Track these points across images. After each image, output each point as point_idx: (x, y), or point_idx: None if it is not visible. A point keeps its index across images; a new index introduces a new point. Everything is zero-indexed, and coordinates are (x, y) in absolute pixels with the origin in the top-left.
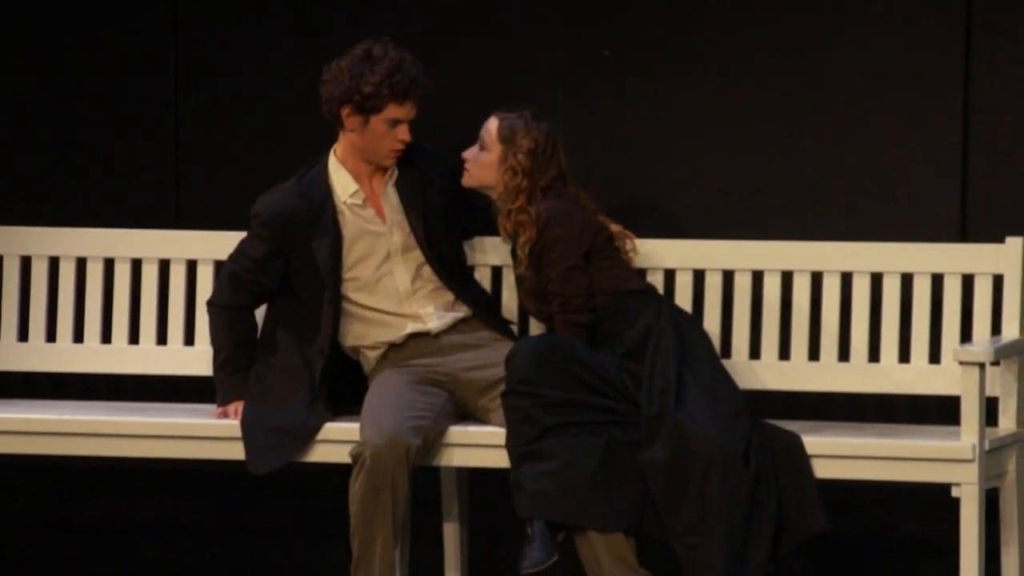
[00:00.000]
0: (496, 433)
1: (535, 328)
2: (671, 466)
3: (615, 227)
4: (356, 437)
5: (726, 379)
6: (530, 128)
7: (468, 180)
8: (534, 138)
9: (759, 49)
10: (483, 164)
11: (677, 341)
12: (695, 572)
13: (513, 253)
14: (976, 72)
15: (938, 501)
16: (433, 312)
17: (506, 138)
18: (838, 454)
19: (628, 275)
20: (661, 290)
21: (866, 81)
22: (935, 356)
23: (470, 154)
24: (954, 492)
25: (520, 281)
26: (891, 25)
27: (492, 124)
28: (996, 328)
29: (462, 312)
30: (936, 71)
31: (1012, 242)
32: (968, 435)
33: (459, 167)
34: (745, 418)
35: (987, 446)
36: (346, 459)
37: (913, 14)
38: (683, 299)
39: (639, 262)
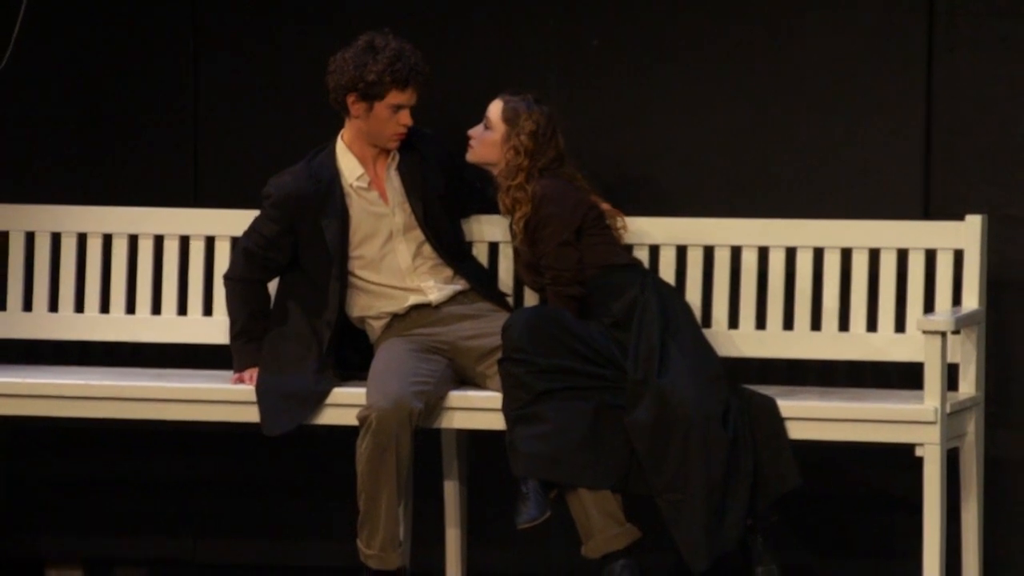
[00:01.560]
0: (493, 398)
1: (530, 300)
2: (655, 428)
3: (606, 206)
4: (363, 401)
5: (706, 347)
6: (532, 111)
7: (472, 156)
8: (536, 120)
9: (735, 40)
10: (487, 142)
11: (661, 312)
12: (677, 526)
13: (511, 227)
14: (938, 60)
15: (903, 460)
16: (434, 285)
17: (509, 119)
18: (810, 417)
19: (616, 250)
20: (647, 264)
21: (836, 69)
22: (900, 326)
23: (475, 132)
24: (918, 452)
25: (516, 254)
26: (858, 15)
27: (497, 106)
28: (957, 300)
29: (461, 285)
30: (901, 59)
31: (972, 219)
32: (931, 399)
33: (460, 148)
34: (724, 383)
35: (948, 409)
36: (353, 422)
37: (879, 4)
38: (667, 273)
39: (626, 238)
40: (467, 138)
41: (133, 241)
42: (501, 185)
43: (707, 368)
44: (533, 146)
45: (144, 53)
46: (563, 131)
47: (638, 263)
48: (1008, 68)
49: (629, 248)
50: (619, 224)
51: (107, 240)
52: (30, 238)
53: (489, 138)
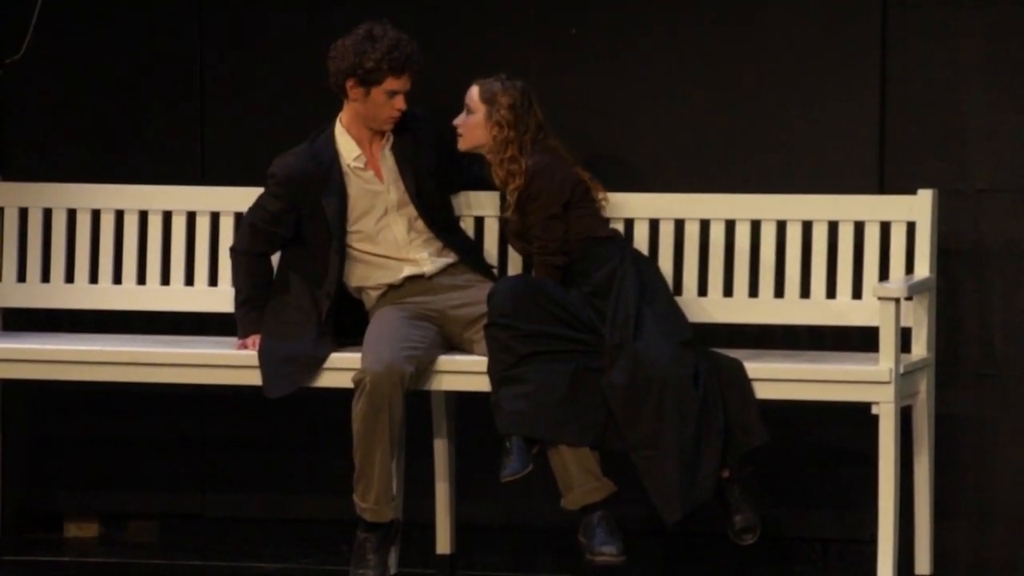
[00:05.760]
0: (479, 361)
1: (513, 270)
2: (630, 389)
3: (587, 175)
4: (358, 365)
5: (678, 313)
6: (507, 87)
7: (464, 144)
8: (511, 95)
9: (704, 28)
10: (472, 126)
11: (638, 281)
12: (651, 480)
13: (503, 197)
14: (892, 45)
15: (860, 418)
16: (427, 257)
17: (487, 99)
18: (775, 378)
19: (599, 223)
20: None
21: (798, 56)
22: (857, 292)
23: (460, 121)
24: (874, 410)
25: (507, 222)
26: (819, 6)
27: (474, 90)
28: (909, 268)
29: (451, 258)
30: (858, 46)
31: (923, 194)
32: (886, 360)
33: (451, 132)
34: (694, 347)
35: (902, 370)
36: (349, 384)
37: None
38: (640, 244)
39: (606, 211)
40: (454, 128)
41: (143, 217)
42: (493, 160)
43: (679, 333)
44: (514, 118)
45: (152, 43)
46: (539, 103)
47: (618, 235)
48: (954, 54)
49: (608, 221)
50: (600, 196)
51: (119, 216)
52: (47, 214)
53: (473, 121)
